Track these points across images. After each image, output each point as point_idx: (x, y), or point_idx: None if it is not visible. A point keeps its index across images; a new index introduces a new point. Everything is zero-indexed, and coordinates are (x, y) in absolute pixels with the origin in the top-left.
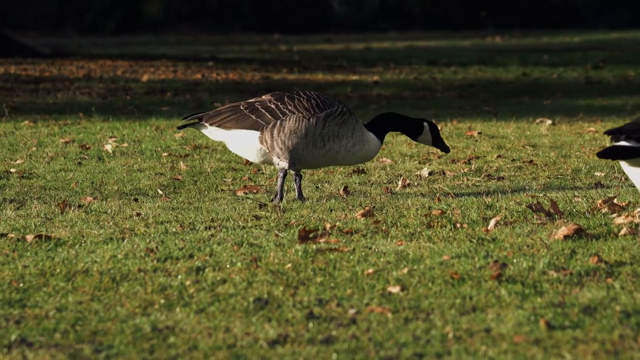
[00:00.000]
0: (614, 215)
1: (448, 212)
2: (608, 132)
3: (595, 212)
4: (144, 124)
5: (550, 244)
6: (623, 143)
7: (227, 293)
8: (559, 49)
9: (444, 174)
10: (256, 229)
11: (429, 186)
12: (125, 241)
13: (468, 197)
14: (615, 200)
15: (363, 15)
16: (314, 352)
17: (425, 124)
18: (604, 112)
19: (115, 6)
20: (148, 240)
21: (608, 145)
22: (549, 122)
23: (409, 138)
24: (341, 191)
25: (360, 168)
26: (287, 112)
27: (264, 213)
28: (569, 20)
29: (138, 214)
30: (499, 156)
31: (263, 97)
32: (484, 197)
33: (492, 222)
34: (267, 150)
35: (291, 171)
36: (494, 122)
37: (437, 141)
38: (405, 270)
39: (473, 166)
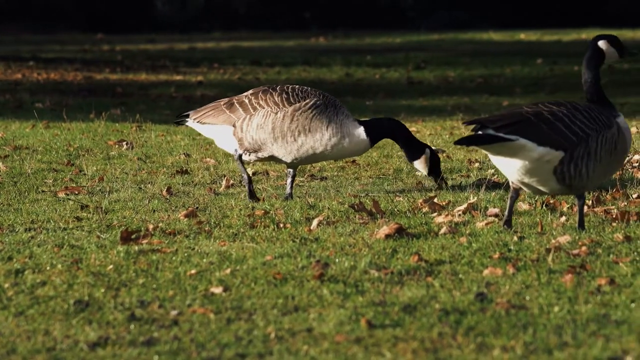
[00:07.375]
0: (434, 214)
1: (271, 212)
2: (467, 123)
3: (416, 212)
4: None
5: (371, 244)
6: (479, 132)
7: (47, 295)
8: (381, 49)
9: (267, 174)
10: (77, 230)
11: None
12: None
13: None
14: (435, 200)
15: (187, 14)
16: (135, 354)
17: (427, 150)
18: (425, 112)
19: None
20: None
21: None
22: None
23: None
24: (164, 192)
25: (184, 168)
26: (258, 107)
27: (85, 214)
28: (397, 22)
29: None
30: None
31: (247, 92)
32: (307, 197)
33: (314, 222)
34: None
35: (289, 169)
36: None
37: (434, 172)
38: (228, 271)
39: None
